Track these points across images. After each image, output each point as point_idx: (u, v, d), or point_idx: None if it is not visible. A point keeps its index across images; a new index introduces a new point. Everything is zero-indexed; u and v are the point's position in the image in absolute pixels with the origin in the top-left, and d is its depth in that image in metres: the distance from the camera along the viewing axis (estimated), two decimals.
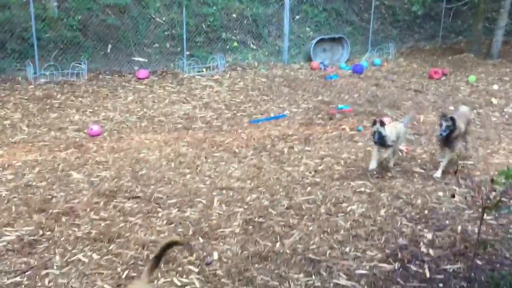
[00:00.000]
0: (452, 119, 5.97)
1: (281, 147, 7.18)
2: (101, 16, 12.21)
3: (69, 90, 10.02)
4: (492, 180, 3.63)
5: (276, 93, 10.42)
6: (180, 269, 4.10)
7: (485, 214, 3.71)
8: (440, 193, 5.66)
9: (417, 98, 10.07)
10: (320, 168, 6.40)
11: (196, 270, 4.10)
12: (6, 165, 6.15)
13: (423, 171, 6.32)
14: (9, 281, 3.82)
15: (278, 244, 4.54)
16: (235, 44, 13.42)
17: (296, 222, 4.97)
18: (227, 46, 13.30)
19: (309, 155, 6.86)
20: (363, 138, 7.49)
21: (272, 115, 8.93)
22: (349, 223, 4.94)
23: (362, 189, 5.75)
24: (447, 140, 6.05)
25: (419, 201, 5.46)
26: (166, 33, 12.91)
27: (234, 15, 13.81)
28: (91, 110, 8.91)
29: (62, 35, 11.54)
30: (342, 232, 4.77)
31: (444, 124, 5.92)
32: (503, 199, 3.60)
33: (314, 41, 13.39)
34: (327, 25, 14.90)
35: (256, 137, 7.60)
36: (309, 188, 5.77)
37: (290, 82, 11.21)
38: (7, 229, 4.61)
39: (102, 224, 4.80)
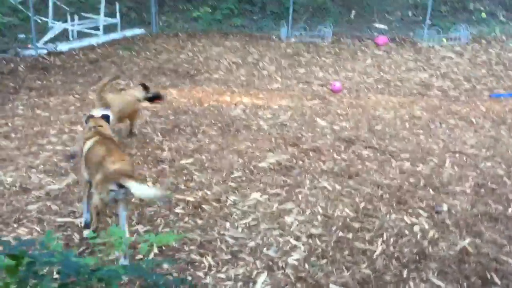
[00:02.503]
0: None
1: None
2: None
3: (314, 50, 11.07)
4: None
5: None
6: (410, 210, 4.57)
7: None
8: None
9: None
10: None
11: (425, 214, 4.52)
12: (266, 106, 7.39)
13: None
14: (272, 191, 4.84)
15: (510, 210, 4.63)
16: (483, 15, 12.70)
17: None
18: (473, 17, 12.69)
19: None
20: None
21: None
22: None
23: None
24: None
25: None
26: (410, 1, 12.98)
27: None
28: (332, 69, 9.77)
29: (313, 0, 12.66)
30: None
31: None
32: None
33: None
34: None
35: (495, 111, 7.41)
36: None
37: None
38: (269, 154, 5.71)
39: (343, 164, 5.54)
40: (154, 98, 6.00)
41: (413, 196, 4.84)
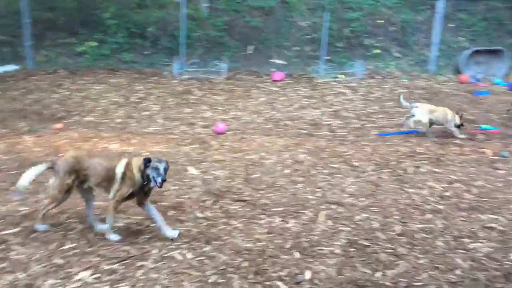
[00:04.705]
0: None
1: (407, 165, 6.60)
2: (247, 17, 12.59)
3: (207, 87, 10.49)
4: None
5: None
6: (268, 283, 3.92)
7: None
8: None
9: None
10: (446, 194, 5.72)
11: (285, 287, 3.89)
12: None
13: None
14: (107, 267, 4.01)
15: (379, 274, 4.11)
16: (378, 51, 12.81)
17: (406, 252, 4.46)
18: (369, 53, 12.76)
19: (437, 178, 6.19)
20: (506, 166, 6.54)
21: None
22: (468, 262, 4.29)
23: (494, 225, 4.97)
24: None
25: None
26: (307, 36, 12.86)
27: (380, 21, 13.20)
28: (222, 108, 9.20)
29: (208, 35, 12.17)
30: (457, 272, 4.15)
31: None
32: None
33: (467, 52, 12.18)
34: (484, 36, 13.44)
35: (381, 152, 7.10)
36: (428, 215, 5.17)
37: (432, 95, 10.34)
38: (120, 216, 4.88)
39: (204, 224, 4.84)
40: (460, 126, 7.90)
41: (275, 263, 4.21)
